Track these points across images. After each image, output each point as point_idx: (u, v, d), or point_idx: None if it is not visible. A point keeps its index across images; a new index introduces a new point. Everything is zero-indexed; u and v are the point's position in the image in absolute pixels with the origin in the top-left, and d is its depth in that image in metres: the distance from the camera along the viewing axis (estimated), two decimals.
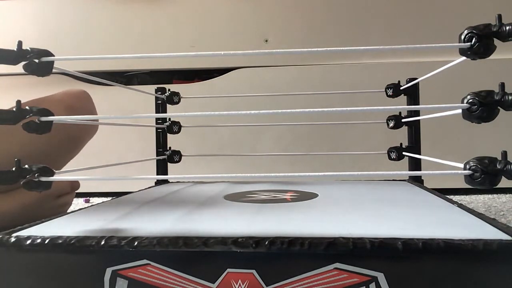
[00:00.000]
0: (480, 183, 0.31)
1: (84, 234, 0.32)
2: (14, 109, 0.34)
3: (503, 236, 0.29)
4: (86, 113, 0.69)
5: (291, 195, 0.51)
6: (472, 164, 0.31)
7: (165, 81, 1.14)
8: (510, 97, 0.30)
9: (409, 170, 0.69)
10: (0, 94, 1.10)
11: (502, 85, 0.31)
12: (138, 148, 1.07)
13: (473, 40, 0.32)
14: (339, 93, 0.96)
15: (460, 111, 0.32)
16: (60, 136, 0.68)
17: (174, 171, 0.76)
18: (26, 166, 0.34)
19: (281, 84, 1.09)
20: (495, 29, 0.32)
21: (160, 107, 0.73)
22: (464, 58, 0.34)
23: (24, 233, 0.33)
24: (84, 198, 1.03)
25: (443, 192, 0.51)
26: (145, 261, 0.30)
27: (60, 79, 1.10)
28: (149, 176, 0.86)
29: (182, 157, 0.73)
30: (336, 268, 0.28)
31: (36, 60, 0.35)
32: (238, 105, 1.02)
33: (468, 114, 0.32)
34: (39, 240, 0.31)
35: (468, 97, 0.32)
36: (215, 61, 1.11)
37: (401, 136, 0.70)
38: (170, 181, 0.72)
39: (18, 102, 0.35)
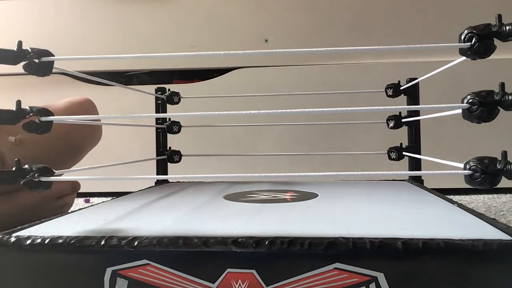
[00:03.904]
0: (480, 183, 0.31)
1: (84, 234, 0.32)
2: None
3: (503, 236, 0.29)
4: (90, 122, 0.69)
5: (291, 195, 0.51)
6: (472, 164, 0.31)
7: (165, 81, 1.14)
8: (510, 97, 0.30)
9: (409, 170, 0.69)
10: (0, 94, 1.10)
11: (502, 85, 0.31)
12: (138, 148, 1.07)
13: (473, 40, 0.32)
14: (339, 93, 0.96)
15: (460, 111, 0.32)
16: (62, 145, 0.68)
17: (174, 171, 0.76)
18: (26, 166, 0.34)
19: (281, 84, 1.09)
20: (495, 29, 0.32)
21: (160, 107, 0.73)
22: (464, 58, 0.34)
23: (24, 233, 0.33)
24: (84, 198, 1.03)
25: (443, 192, 0.51)
26: (145, 261, 0.30)
27: (60, 79, 1.10)
28: (149, 176, 0.86)
29: (182, 157, 0.73)
30: (336, 268, 0.28)
31: (36, 60, 0.35)
32: (238, 105, 1.02)
33: (468, 114, 0.32)
34: (39, 240, 0.31)
35: (468, 97, 0.32)
36: (215, 61, 1.11)
37: (401, 136, 0.70)
38: (170, 181, 0.72)
39: (18, 102, 0.35)
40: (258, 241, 0.29)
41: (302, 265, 0.28)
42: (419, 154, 0.67)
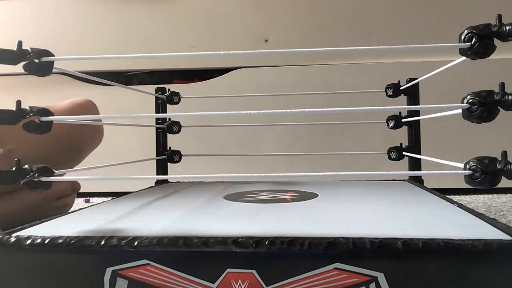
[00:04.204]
0: (480, 183, 0.31)
1: (84, 234, 0.32)
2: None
3: (503, 236, 0.29)
4: (91, 123, 0.69)
5: (291, 195, 0.51)
6: (472, 164, 0.31)
7: (165, 81, 1.14)
8: (510, 97, 0.30)
9: (409, 170, 0.69)
10: (0, 94, 1.10)
11: (502, 85, 0.31)
12: (138, 148, 1.07)
13: (473, 40, 0.32)
14: (339, 93, 0.96)
15: (460, 111, 0.32)
16: (63, 145, 0.68)
17: (174, 171, 0.76)
18: (26, 166, 0.34)
19: (281, 84, 1.09)
20: (495, 29, 0.32)
21: (160, 107, 0.73)
22: (464, 58, 0.34)
23: (24, 233, 0.33)
24: (84, 198, 1.03)
25: (443, 192, 0.51)
26: (145, 261, 0.30)
27: (60, 79, 1.10)
28: (149, 176, 0.86)
29: (182, 157, 0.73)
30: (336, 268, 0.28)
31: (36, 60, 0.35)
32: (238, 105, 1.02)
33: (468, 114, 0.32)
34: (39, 240, 0.31)
35: (468, 97, 0.32)
36: (215, 61, 1.11)
37: (401, 136, 0.70)
38: (170, 181, 0.72)
39: (18, 102, 0.35)
40: (258, 241, 0.29)
41: (302, 265, 0.28)
42: (419, 154, 0.67)
